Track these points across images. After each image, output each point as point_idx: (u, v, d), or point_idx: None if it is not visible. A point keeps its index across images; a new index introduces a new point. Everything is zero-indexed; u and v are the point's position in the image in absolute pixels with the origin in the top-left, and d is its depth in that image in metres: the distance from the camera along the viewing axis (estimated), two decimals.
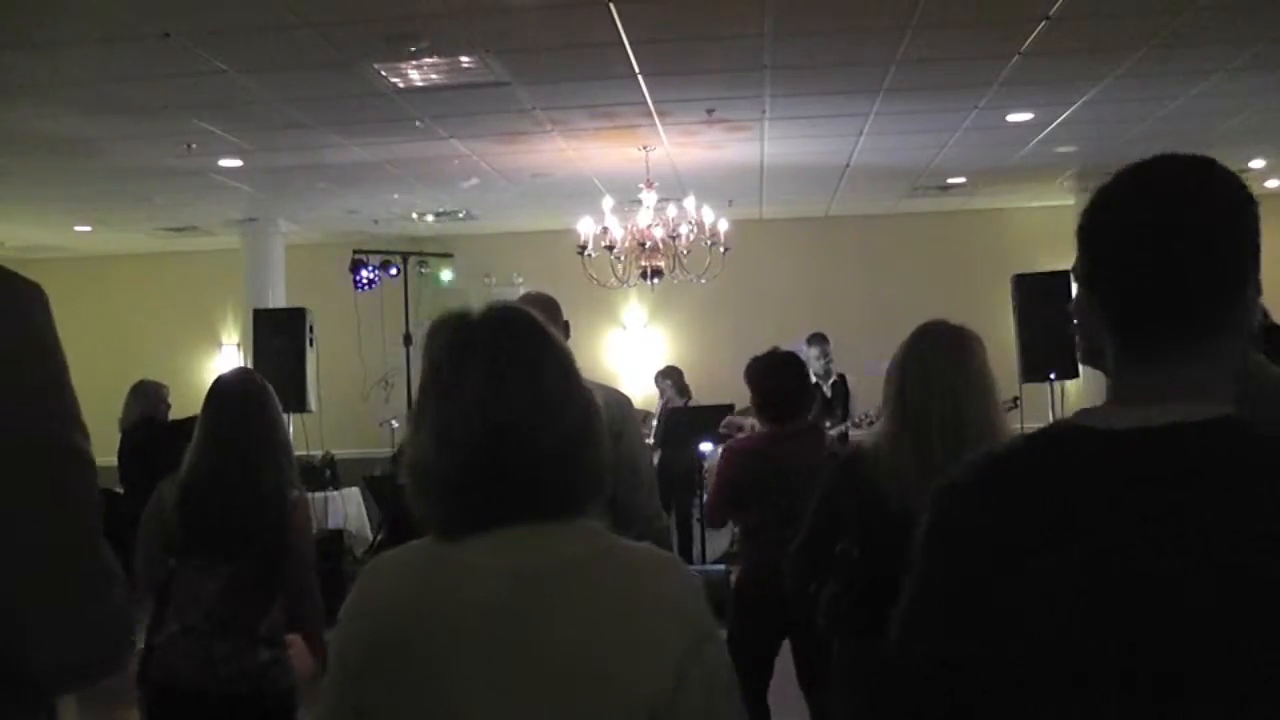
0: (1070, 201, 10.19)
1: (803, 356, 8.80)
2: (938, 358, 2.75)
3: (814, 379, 8.66)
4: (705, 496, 8.76)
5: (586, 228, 8.46)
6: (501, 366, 1.44)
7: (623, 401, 3.50)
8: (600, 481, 1.49)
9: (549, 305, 3.36)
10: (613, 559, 1.44)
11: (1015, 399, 8.28)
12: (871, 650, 2.67)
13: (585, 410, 1.48)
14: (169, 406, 7.12)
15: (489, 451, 1.41)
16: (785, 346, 4.73)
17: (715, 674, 1.41)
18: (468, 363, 1.45)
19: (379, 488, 9.77)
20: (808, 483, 4.12)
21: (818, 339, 9.24)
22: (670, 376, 9.91)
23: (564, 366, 1.48)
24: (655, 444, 8.50)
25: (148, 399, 6.99)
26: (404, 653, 1.40)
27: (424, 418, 1.46)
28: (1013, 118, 7.81)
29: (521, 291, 10.53)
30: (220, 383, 3.39)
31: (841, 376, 9.11)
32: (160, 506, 3.24)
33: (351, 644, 1.44)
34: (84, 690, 1.26)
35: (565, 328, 3.37)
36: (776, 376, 4.36)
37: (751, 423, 4.87)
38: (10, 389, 1.18)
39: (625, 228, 8.53)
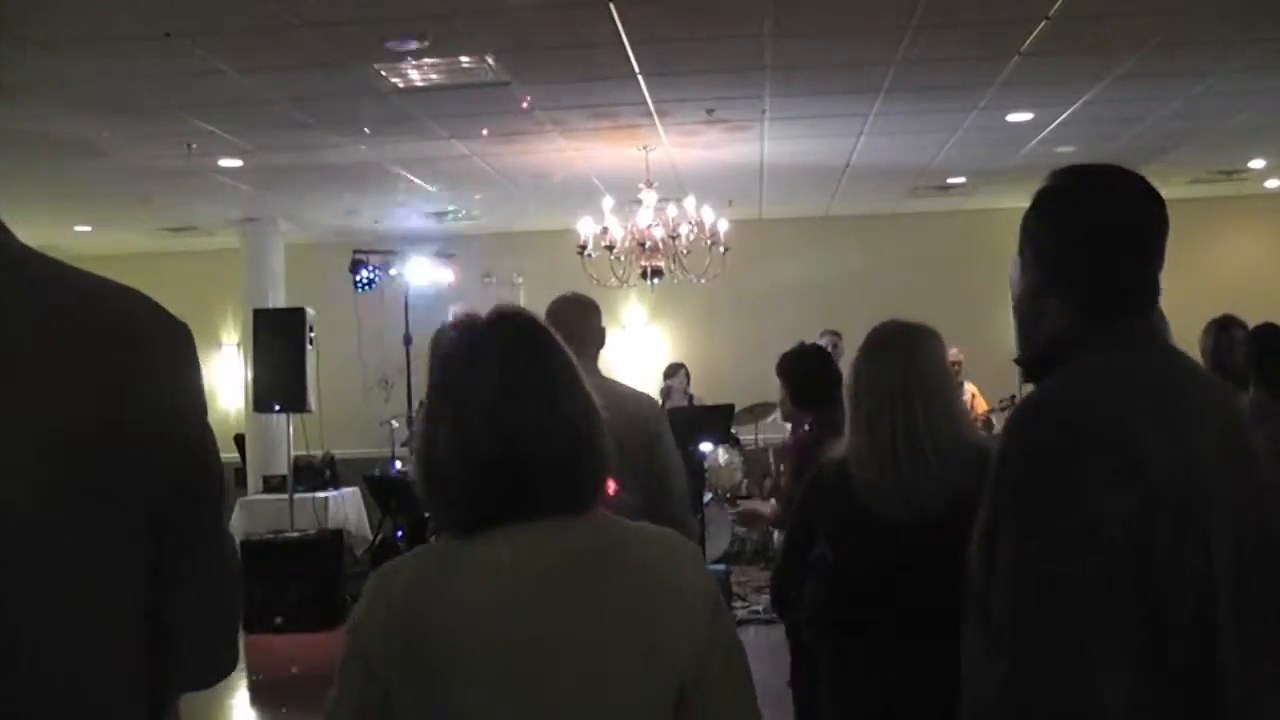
0: None
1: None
2: (886, 364, 2.67)
3: None
4: (704, 496, 8.80)
5: (586, 228, 8.45)
6: (511, 368, 1.49)
7: (656, 410, 3.52)
8: (605, 473, 1.54)
9: (587, 307, 3.45)
10: (625, 542, 1.50)
11: (1012, 397, 8.30)
12: (853, 649, 2.68)
13: (588, 409, 1.53)
14: None
15: (500, 449, 1.45)
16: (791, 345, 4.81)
17: (730, 640, 1.49)
18: (479, 363, 1.49)
19: (379, 488, 9.77)
20: None
21: (827, 334, 9.01)
22: (679, 375, 9.83)
23: (569, 368, 1.54)
24: None
25: None
26: (429, 652, 1.41)
27: (435, 416, 1.50)
28: (1013, 118, 7.81)
29: (522, 292, 10.58)
30: None
31: None
32: None
33: (371, 646, 1.44)
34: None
35: (600, 333, 3.40)
36: (803, 366, 4.46)
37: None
38: None
39: (625, 228, 8.53)
